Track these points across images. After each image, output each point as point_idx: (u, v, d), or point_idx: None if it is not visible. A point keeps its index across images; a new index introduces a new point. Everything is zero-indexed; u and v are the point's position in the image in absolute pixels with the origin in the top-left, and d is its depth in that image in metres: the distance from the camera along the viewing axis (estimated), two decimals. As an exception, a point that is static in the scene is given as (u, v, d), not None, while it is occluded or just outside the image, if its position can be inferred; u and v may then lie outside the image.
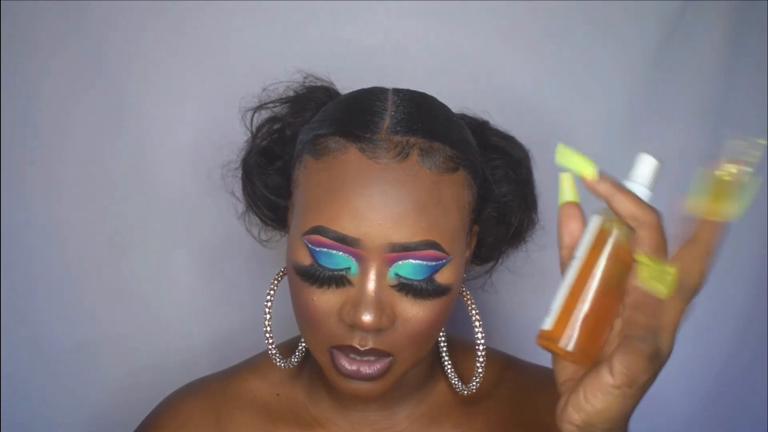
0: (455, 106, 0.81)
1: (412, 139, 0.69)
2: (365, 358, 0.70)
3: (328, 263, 0.69)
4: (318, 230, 0.68)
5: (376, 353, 0.70)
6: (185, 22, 1.03)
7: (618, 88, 1.08)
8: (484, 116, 0.84)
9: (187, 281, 1.11)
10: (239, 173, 0.85)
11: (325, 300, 0.69)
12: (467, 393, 0.80)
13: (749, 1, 1.06)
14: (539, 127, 0.99)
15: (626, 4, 1.06)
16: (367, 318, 0.67)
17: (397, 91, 0.75)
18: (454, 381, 0.81)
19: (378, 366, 0.70)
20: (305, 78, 0.84)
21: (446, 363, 0.81)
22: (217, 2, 1.02)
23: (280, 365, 0.80)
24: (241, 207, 0.86)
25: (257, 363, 0.86)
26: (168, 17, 1.03)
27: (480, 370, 0.78)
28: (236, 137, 0.86)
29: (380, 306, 0.68)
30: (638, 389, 0.56)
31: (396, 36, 1.06)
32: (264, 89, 0.85)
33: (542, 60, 1.07)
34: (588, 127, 1.09)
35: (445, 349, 0.82)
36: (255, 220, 0.85)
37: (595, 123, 1.09)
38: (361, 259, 0.68)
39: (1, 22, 1.00)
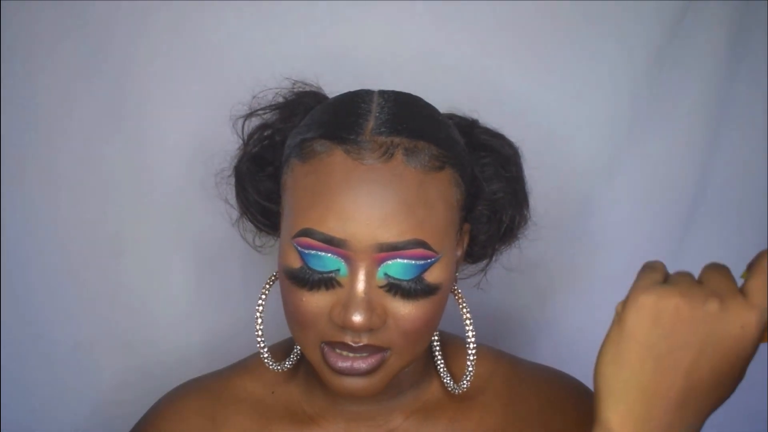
0: (446, 107, 0.81)
1: (397, 139, 0.69)
2: (359, 354, 0.70)
3: (317, 266, 0.69)
4: (306, 232, 0.69)
5: (370, 349, 0.70)
6: (176, 33, 1.04)
7: (616, 88, 1.08)
8: (475, 116, 0.84)
9: (183, 283, 1.12)
10: (232, 180, 0.85)
11: (315, 302, 0.70)
12: (458, 392, 0.80)
13: (749, 1, 1.05)
14: (536, 127, 1.00)
15: (626, 4, 1.05)
16: (357, 318, 0.67)
17: (382, 93, 0.76)
18: (446, 380, 0.81)
19: (372, 360, 0.70)
20: (294, 84, 0.85)
21: (439, 362, 0.81)
22: (207, 12, 1.04)
23: (273, 368, 0.81)
24: (235, 214, 0.86)
25: (252, 363, 0.87)
26: (160, 28, 1.04)
27: (470, 368, 0.78)
28: (229, 145, 0.87)
29: (370, 306, 0.68)
30: (629, 315, 0.59)
31: (387, 41, 1.06)
32: (254, 97, 0.85)
33: (539, 61, 1.07)
34: (586, 128, 1.09)
35: (438, 347, 0.82)
36: (249, 226, 0.86)
37: (593, 123, 1.09)
38: (349, 260, 0.68)
39: (2, 26, 1.01)
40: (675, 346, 0.58)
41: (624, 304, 0.60)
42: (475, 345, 0.78)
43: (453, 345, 0.84)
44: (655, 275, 0.60)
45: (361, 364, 0.70)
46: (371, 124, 0.71)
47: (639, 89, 1.08)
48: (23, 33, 1.02)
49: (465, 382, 0.79)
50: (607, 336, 0.60)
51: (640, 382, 0.58)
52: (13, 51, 1.02)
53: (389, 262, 0.68)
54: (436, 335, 0.82)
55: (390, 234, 0.67)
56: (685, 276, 0.60)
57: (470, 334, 0.78)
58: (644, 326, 0.58)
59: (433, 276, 0.70)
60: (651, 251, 1.10)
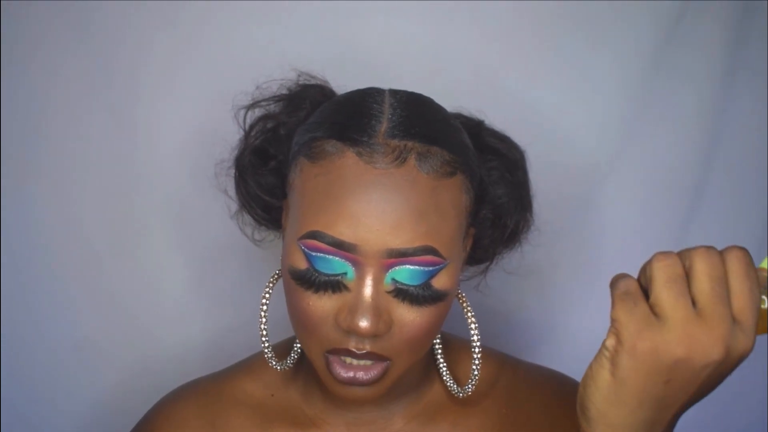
0: (451, 106, 0.80)
1: (410, 144, 0.68)
2: (362, 362, 0.70)
3: (324, 268, 0.68)
4: (314, 235, 0.67)
5: (373, 357, 0.69)
6: (179, 21, 1.02)
7: (616, 89, 1.08)
8: (480, 116, 0.83)
9: (182, 281, 1.11)
10: (232, 172, 0.84)
11: (321, 305, 0.69)
12: (463, 396, 0.80)
13: (749, 1, 1.05)
14: (537, 128, 0.99)
15: (625, 5, 1.05)
16: (364, 324, 0.67)
17: (394, 93, 0.75)
18: (450, 384, 0.80)
19: (374, 371, 0.70)
20: (299, 76, 0.83)
21: (441, 365, 0.81)
22: (210, 1, 1.01)
23: (276, 368, 0.80)
24: (234, 206, 0.85)
25: (251, 364, 0.86)
26: (162, 16, 1.02)
27: (476, 373, 0.78)
28: (230, 135, 0.85)
29: (377, 312, 0.67)
30: (624, 361, 0.55)
31: (392, 35, 1.05)
32: (257, 87, 0.83)
33: (540, 61, 1.07)
34: (585, 129, 1.09)
35: (440, 350, 0.81)
36: (248, 219, 0.84)
37: (593, 124, 1.09)
38: (358, 265, 0.67)
39: (2, 24, 0.99)
40: (675, 388, 0.56)
41: (615, 347, 0.56)
42: (480, 349, 0.77)
43: (455, 347, 0.84)
44: (640, 307, 0.55)
45: (364, 376, 0.70)
46: (384, 126, 0.70)
47: (639, 90, 1.08)
48: (23, 29, 1.00)
49: (470, 386, 0.79)
50: (597, 374, 0.57)
51: (638, 416, 0.58)
52: (14, 49, 1.00)
53: (397, 267, 0.68)
54: (438, 337, 0.81)
55: (400, 240, 0.66)
56: (680, 304, 0.54)
57: (475, 338, 0.77)
58: (642, 375, 0.55)
59: (440, 282, 0.69)
60: (651, 252, 1.11)
